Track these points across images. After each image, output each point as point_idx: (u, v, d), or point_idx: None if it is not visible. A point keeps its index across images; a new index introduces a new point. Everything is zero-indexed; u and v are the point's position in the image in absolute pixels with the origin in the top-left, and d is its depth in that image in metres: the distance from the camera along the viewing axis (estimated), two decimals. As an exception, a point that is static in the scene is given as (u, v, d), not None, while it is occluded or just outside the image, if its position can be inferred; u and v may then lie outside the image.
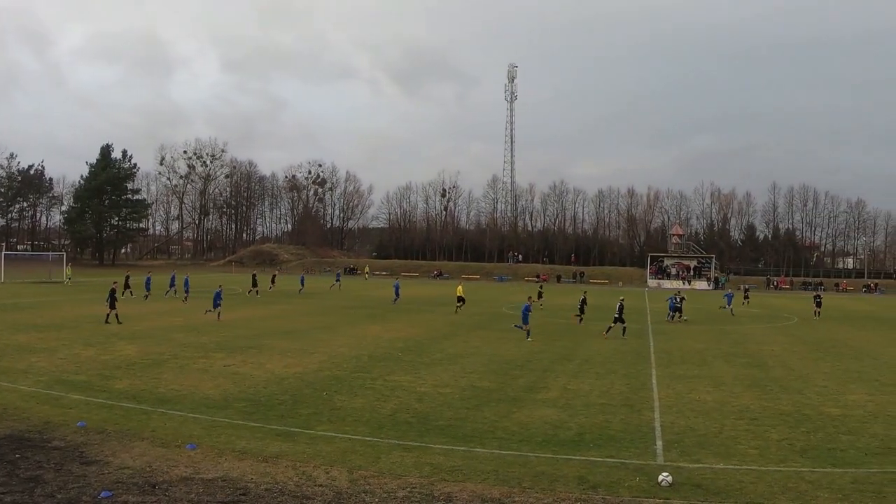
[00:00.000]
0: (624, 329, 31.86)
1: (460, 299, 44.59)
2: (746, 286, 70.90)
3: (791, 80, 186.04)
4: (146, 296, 45.85)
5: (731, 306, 47.79)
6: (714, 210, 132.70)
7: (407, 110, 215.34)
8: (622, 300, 33.13)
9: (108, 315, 31.52)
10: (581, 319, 37.22)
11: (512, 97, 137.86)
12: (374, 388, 18.55)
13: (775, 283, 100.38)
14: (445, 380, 20.05)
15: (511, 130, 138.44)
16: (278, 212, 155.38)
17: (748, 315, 47.00)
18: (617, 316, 32.17)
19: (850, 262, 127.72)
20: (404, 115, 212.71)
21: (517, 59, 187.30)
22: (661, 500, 10.54)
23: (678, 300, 41.72)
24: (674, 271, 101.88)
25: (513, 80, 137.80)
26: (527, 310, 30.35)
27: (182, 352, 23.89)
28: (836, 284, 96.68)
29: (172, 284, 49.46)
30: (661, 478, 11.20)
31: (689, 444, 13.72)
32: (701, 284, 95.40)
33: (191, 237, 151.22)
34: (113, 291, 32.27)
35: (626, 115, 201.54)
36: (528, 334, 29.54)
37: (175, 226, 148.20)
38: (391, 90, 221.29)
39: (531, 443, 13.59)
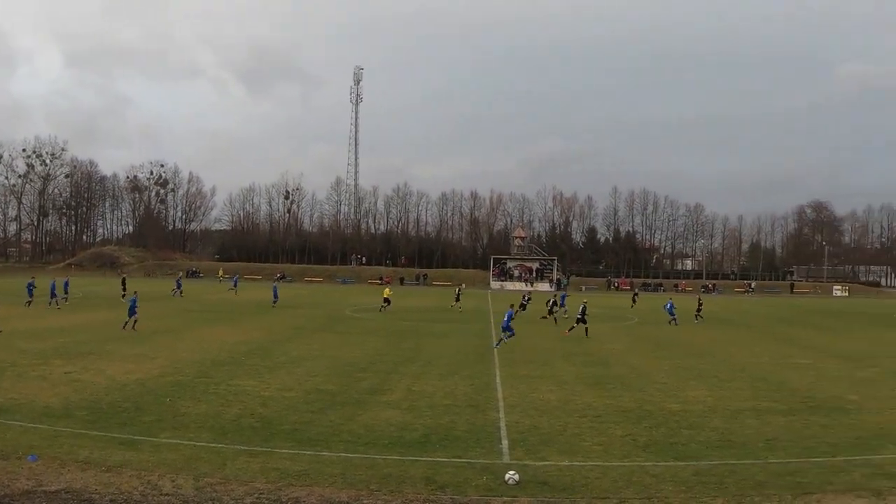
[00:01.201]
0: (586, 329, 33.32)
1: (386, 300, 47.71)
2: (636, 289, 72.28)
3: (639, 90, 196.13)
4: (28, 302, 41.58)
5: (676, 316, 41.63)
6: (556, 213, 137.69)
7: (252, 111, 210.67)
8: (585, 302, 34.96)
9: None
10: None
11: (357, 99, 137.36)
12: (218, 393, 17.96)
13: (616, 284, 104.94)
14: (289, 383, 19.58)
15: (356, 133, 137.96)
16: (119, 213, 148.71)
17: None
18: (580, 316, 34.14)
19: (688, 264, 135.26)
20: (249, 115, 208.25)
21: (365, 63, 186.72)
22: (509, 499, 10.56)
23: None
24: (516, 273, 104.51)
25: (359, 82, 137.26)
26: (509, 317, 29.16)
27: (20, 359, 22.34)
28: (676, 285, 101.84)
29: (53, 294, 42.92)
30: (507, 476, 11.20)
31: (534, 443, 13.82)
32: (543, 286, 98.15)
33: (29, 239, 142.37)
34: None
35: (471, 119, 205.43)
36: (499, 343, 28.51)
37: (13, 227, 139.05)
38: (237, 90, 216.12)
39: (377, 445, 13.40)
